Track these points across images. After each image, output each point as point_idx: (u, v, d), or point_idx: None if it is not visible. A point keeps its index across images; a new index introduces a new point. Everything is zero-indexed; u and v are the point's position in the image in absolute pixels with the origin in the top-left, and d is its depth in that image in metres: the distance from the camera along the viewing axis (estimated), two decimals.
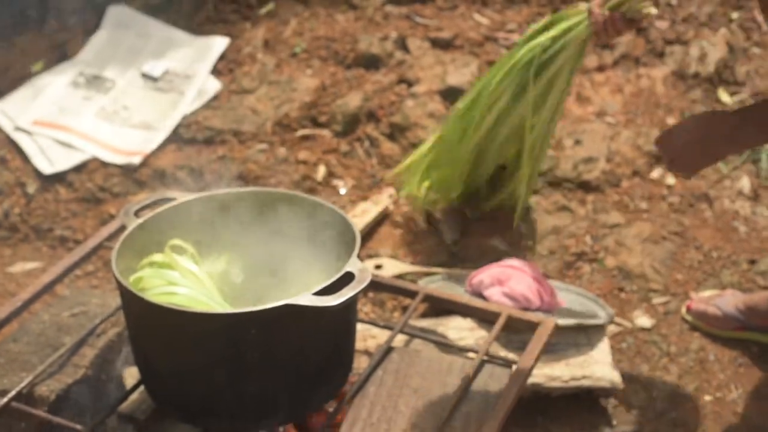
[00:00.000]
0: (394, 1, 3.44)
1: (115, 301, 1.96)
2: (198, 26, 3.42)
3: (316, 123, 3.06)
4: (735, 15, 3.39)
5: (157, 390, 1.71)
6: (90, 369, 1.85)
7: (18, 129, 3.02)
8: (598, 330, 2.30)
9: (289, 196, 1.86)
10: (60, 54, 3.32)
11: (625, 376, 2.32)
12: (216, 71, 3.24)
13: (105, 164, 2.94)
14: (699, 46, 3.23)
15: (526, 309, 2.25)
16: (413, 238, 2.73)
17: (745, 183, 2.86)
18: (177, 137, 3.03)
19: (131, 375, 1.90)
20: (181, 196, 1.84)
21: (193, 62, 3.25)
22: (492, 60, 3.18)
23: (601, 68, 3.22)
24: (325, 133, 3.03)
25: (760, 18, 3.38)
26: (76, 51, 3.32)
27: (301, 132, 3.03)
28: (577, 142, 2.94)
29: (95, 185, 2.90)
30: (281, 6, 3.48)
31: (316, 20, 3.40)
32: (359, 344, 2.10)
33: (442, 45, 3.27)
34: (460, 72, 3.13)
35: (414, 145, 2.91)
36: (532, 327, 1.94)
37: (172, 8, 3.46)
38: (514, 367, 1.82)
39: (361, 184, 2.91)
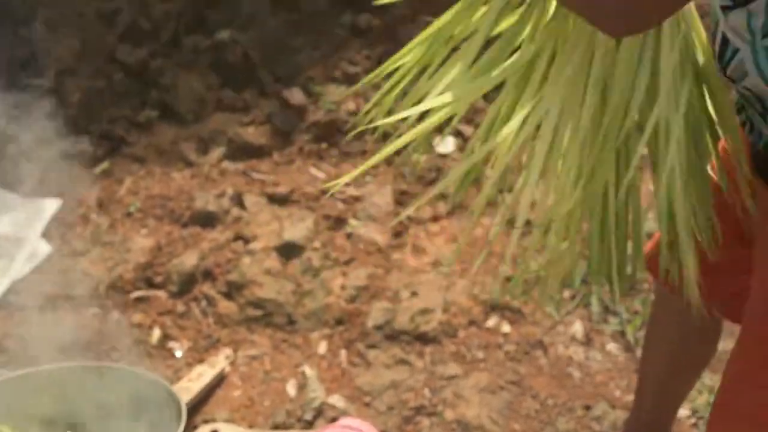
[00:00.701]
0: (230, 157, 3.46)
1: None
2: (29, 188, 3.36)
3: (151, 284, 3.01)
4: None
5: None
6: None
7: None
8: None
9: (115, 369, 1.81)
10: None
11: None
12: (47, 234, 3.17)
13: None
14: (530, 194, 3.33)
15: None
16: (251, 399, 2.68)
17: (578, 328, 2.92)
18: (6, 304, 2.93)
19: None
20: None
21: (23, 225, 3.18)
22: (328, 215, 3.21)
23: (435, 218, 3.28)
24: (161, 294, 2.98)
25: None
26: None
27: (135, 294, 2.97)
28: (414, 294, 2.97)
29: None
30: (116, 165, 3.45)
31: (151, 179, 3.38)
32: None
33: (278, 200, 3.29)
34: (296, 227, 3.14)
35: (251, 303, 2.88)
36: None
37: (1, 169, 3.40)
38: None
39: (198, 345, 2.85)
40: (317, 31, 3.68)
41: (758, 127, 1.52)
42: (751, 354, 1.57)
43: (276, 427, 2.59)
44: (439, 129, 3.48)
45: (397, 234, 3.21)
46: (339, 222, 3.22)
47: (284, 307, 2.92)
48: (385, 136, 3.51)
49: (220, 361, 2.76)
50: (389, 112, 1.65)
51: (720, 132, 1.57)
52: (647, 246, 1.90)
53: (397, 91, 1.65)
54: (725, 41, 1.47)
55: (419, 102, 1.63)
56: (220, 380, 2.74)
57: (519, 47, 1.57)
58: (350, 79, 3.62)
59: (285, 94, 3.56)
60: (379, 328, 2.85)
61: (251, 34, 3.67)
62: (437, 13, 3.63)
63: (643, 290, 3.02)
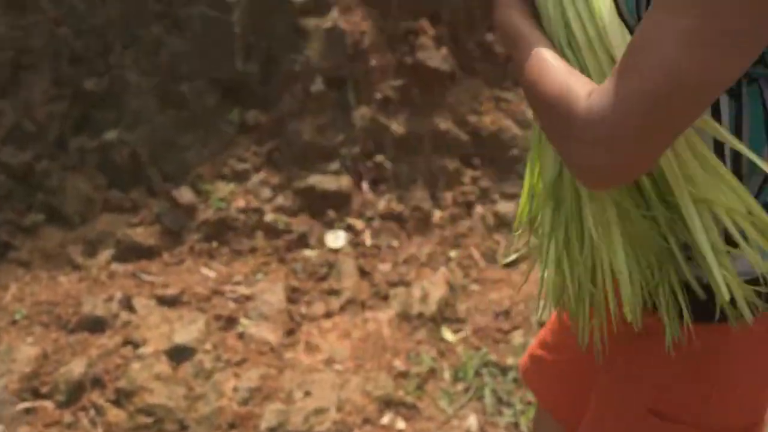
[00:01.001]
0: (119, 259, 3.41)
1: None
2: None
3: (37, 394, 2.93)
4: (453, 254, 3.56)
5: None
6: None
7: None
8: None
9: None
10: None
11: None
12: None
13: None
14: (421, 287, 3.35)
15: None
16: None
17: (472, 421, 2.93)
18: None
19: None
20: None
21: None
22: (220, 315, 3.18)
23: (328, 314, 3.27)
24: (47, 404, 2.90)
25: (477, 255, 3.56)
26: None
27: (21, 406, 2.89)
28: (307, 393, 2.95)
29: None
30: (1, 270, 3.38)
31: (37, 284, 3.31)
32: None
33: (168, 302, 3.25)
34: (187, 329, 3.11)
35: (141, 411, 2.82)
36: None
37: None
38: None
39: None
40: (205, 128, 3.68)
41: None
42: None
43: None
44: (331, 224, 3.51)
45: (290, 332, 3.19)
46: (230, 322, 3.19)
47: (175, 413, 2.87)
48: (276, 233, 3.52)
49: None
50: None
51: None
52: (522, 360, 1.93)
53: None
54: None
55: None
56: None
57: None
58: (239, 176, 3.62)
59: (174, 192, 3.54)
60: (272, 430, 2.81)
61: (139, 133, 3.65)
62: (324, 109, 3.68)
63: None
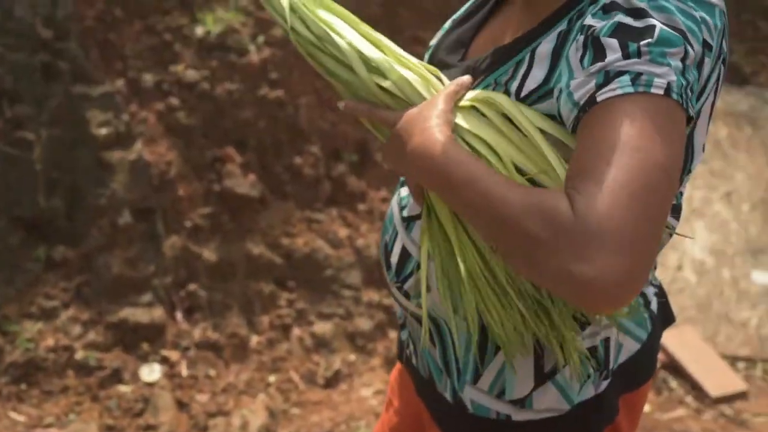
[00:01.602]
0: None
1: None
2: None
3: None
4: (272, 378, 3.54)
5: None
6: None
7: None
8: None
9: None
10: None
11: None
12: None
13: None
14: (240, 415, 3.31)
15: None
16: None
17: None
18: None
19: None
20: None
21: None
22: None
23: None
24: None
25: (296, 378, 3.55)
26: None
27: None
28: None
29: None
30: None
31: None
32: None
33: None
34: None
35: None
36: None
37: None
38: None
39: None
40: (10, 267, 3.58)
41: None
42: None
43: None
44: (145, 357, 3.44)
45: None
46: None
47: None
48: (88, 370, 3.43)
49: None
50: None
51: None
52: None
53: None
54: (405, 253, 1.53)
55: None
56: None
57: None
58: (48, 314, 3.52)
59: None
60: None
61: None
62: (132, 241, 3.64)
63: None
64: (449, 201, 1.27)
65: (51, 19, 3.63)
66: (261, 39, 3.98)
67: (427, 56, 1.58)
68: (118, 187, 3.61)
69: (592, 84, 1.19)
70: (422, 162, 1.28)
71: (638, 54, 1.18)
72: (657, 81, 1.17)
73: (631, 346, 1.49)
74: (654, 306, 1.54)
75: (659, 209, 1.13)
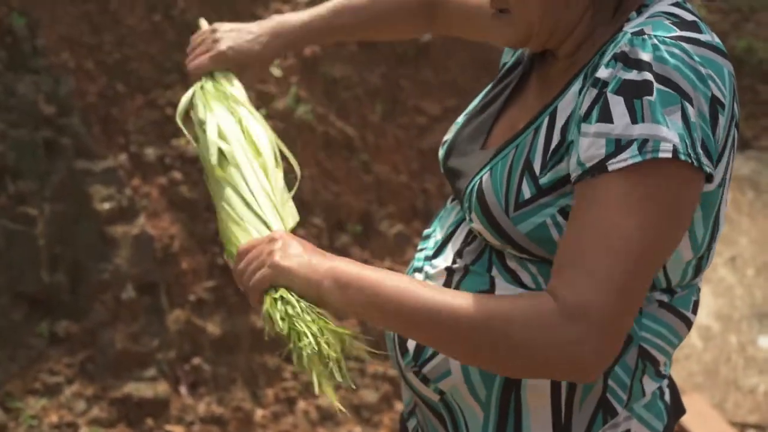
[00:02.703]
0: None
1: None
2: None
3: None
4: None
5: None
6: None
7: None
8: None
9: None
10: None
11: None
12: None
13: None
14: None
15: None
16: None
17: None
18: None
19: None
20: None
21: None
22: None
23: None
24: None
25: None
26: None
27: None
28: None
29: None
30: None
31: None
32: None
33: None
34: None
35: None
36: None
37: None
38: None
39: None
40: (13, 343, 3.56)
41: None
42: None
43: None
44: None
45: None
46: None
47: None
48: None
49: None
50: None
51: None
52: None
53: None
54: None
55: None
56: None
57: None
58: (51, 390, 3.50)
59: None
60: None
61: None
62: (136, 316, 3.64)
63: None
64: (393, 325, 1.43)
65: (53, 95, 3.66)
66: (263, 112, 4.01)
67: (442, 151, 1.57)
68: (121, 261, 3.61)
69: (602, 151, 1.23)
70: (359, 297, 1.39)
71: (642, 117, 1.21)
72: (663, 146, 1.20)
73: None
74: (667, 397, 1.54)
75: (641, 293, 1.25)
